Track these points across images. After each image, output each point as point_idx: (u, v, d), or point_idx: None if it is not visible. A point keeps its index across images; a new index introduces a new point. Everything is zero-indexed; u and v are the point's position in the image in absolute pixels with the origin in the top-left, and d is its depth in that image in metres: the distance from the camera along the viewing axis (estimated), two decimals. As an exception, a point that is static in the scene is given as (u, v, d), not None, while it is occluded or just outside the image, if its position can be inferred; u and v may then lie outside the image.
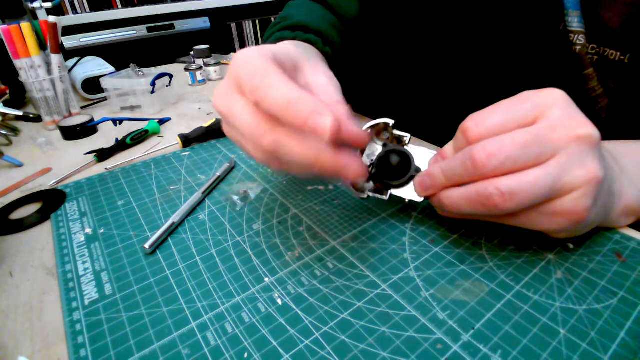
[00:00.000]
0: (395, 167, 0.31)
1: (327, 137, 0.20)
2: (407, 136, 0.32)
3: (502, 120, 0.24)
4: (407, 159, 0.31)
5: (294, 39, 0.42)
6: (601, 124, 0.34)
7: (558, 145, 0.23)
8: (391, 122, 0.32)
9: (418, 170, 0.31)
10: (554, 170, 0.23)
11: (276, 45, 0.27)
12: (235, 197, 0.39)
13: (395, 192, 0.32)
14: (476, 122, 0.25)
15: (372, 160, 0.33)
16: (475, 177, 0.24)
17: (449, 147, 0.28)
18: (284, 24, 0.44)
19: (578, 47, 0.36)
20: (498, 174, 0.23)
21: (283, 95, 0.21)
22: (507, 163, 0.23)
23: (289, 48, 0.29)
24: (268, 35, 0.47)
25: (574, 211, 0.23)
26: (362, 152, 0.33)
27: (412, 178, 0.31)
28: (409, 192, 0.31)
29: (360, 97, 0.61)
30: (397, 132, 0.32)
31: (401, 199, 0.31)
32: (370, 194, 0.32)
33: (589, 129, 0.23)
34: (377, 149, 0.32)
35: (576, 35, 0.36)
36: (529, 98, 0.24)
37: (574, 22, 0.36)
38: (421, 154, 0.31)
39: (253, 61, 0.23)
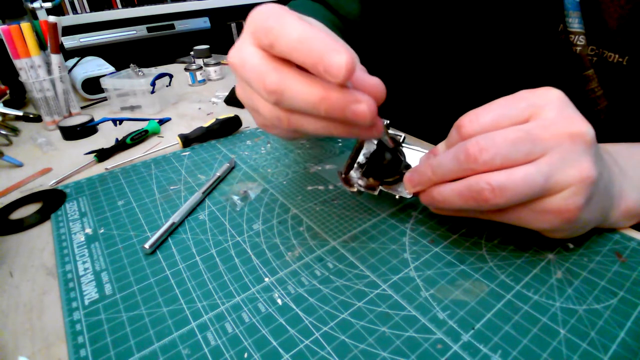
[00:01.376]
0: (387, 165, 0.31)
1: (341, 77, 0.18)
2: (401, 136, 0.32)
3: (496, 117, 0.24)
4: (398, 157, 0.31)
5: None
6: (600, 125, 0.34)
7: (550, 144, 0.23)
8: (386, 121, 0.32)
9: (409, 167, 0.31)
10: (544, 167, 0.22)
11: (301, 16, 0.26)
12: (235, 197, 0.39)
13: (385, 188, 0.32)
14: (470, 119, 0.25)
15: (366, 157, 0.33)
16: (466, 171, 0.24)
17: (441, 145, 0.28)
18: None
19: (579, 48, 0.36)
20: (488, 169, 0.23)
21: (297, 33, 0.20)
22: (497, 159, 0.22)
23: (313, 19, 0.28)
24: None
25: (565, 209, 0.23)
26: (359, 151, 0.34)
27: (402, 175, 0.31)
28: (399, 189, 0.32)
29: None
30: (392, 132, 0.32)
31: (391, 195, 0.32)
32: (362, 189, 0.32)
33: (583, 127, 0.23)
34: (372, 148, 0.33)
35: (576, 37, 0.36)
36: (524, 97, 0.24)
37: (574, 22, 0.35)
38: (415, 153, 0.31)
39: (269, 8, 0.22)
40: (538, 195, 0.23)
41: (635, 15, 0.32)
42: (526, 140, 0.22)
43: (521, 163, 0.23)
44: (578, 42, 0.36)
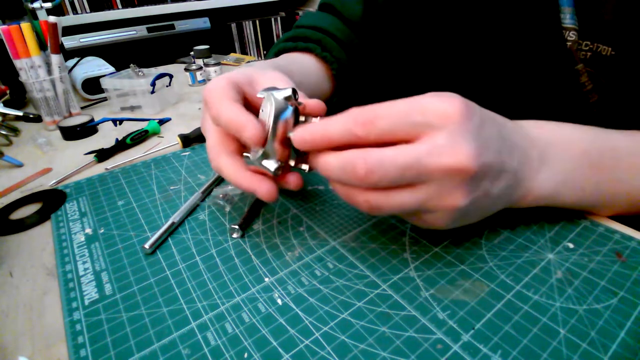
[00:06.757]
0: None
1: (253, 143, 0.27)
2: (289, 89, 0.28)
3: (392, 127, 0.23)
4: None
5: (294, 48, 0.50)
6: (593, 118, 0.34)
7: (432, 176, 0.23)
8: (289, 89, 0.28)
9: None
10: (421, 196, 0.24)
11: (241, 71, 0.33)
12: (221, 202, 0.39)
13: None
14: (364, 123, 0.24)
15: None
16: (351, 181, 0.24)
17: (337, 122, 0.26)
18: (289, 35, 0.52)
19: (569, 43, 0.36)
20: (373, 188, 0.24)
21: (226, 117, 0.28)
22: (382, 182, 0.23)
23: (251, 70, 0.34)
24: (275, 45, 0.54)
25: (433, 224, 0.27)
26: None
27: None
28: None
29: (365, 98, 0.62)
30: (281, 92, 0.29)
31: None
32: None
33: (465, 161, 0.23)
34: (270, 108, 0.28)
35: (568, 32, 0.36)
36: (424, 110, 0.23)
37: (566, 18, 0.36)
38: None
39: (213, 93, 0.30)
40: (410, 212, 0.26)
41: (628, 6, 0.33)
42: (412, 169, 0.23)
43: (403, 187, 0.24)
44: (569, 37, 0.36)
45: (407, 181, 0.24)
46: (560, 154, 0.30)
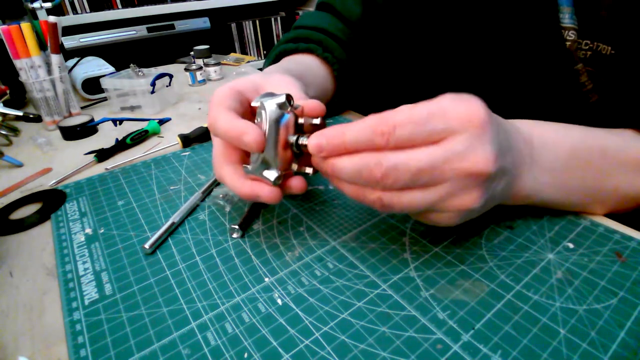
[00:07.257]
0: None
1: (253, 147, 0.27)
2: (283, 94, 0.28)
3: (411, 135, 0.23)
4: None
5: (296, 49, 0.50)
6: (593, 118, 0.34)
7: (447, 177, 0.24)
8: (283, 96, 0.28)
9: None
10: (433, 198, 0.24)
11: (247, 79, 0.34)
12: (221, 202, 0.39)
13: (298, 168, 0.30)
14: (382, 132, 0.24)
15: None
16: (367, 182, 0.25)
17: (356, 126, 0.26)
18: (290, 36, 0.53)
19: (568, 43, 0.36)
20: (389, 189, 0.25)
21: (222, 126, 0.28)
22: (397, 185, 0.24)
23: (257, 77, 0.34)
24: (275, 46, 0.54)
25: (439, 222, 0.27)
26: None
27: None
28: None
29: (365, 97, 0.62)
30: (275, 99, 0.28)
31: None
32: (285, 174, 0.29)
33: (482, 167, 0.23)
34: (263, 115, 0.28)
35: (567, 32, 0.36)
36: (445, 115, 0.23)
37: (565, 18, 0.36)
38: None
39: (212, 103, 0.31)
40: (419, 211, 0.26)
41: (626, 5, 0.33)
42: (426, 173, 0.23)
43: (417, 188, 0.24)
44: (568, 37, 0.37)
45: (421, 183, 0.24)
46: (550, 153, 0.30)
